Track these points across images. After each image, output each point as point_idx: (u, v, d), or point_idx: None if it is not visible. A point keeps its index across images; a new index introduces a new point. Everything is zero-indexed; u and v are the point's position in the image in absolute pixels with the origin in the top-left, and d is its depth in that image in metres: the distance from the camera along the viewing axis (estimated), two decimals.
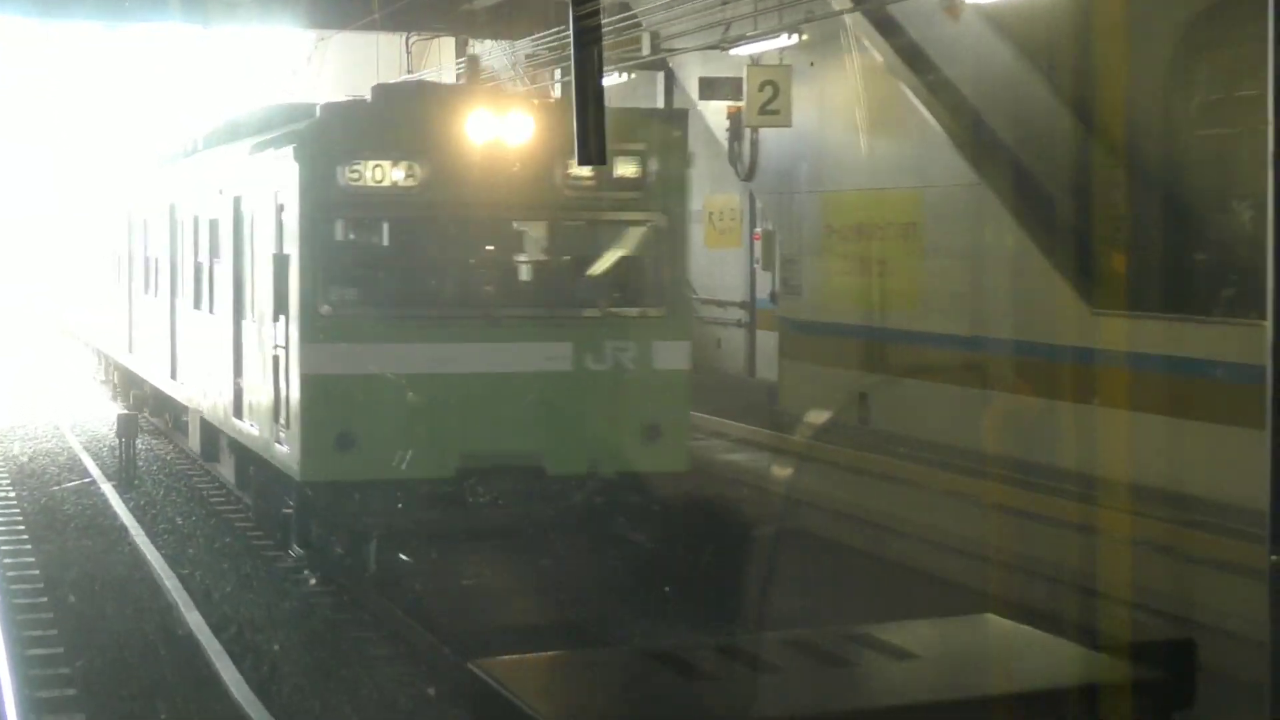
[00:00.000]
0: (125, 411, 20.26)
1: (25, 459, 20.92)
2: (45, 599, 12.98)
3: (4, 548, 14.98)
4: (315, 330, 12.31)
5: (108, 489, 18.14)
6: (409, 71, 30.85)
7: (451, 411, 12.49)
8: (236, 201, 14.97)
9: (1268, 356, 3.25)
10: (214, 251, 16.37)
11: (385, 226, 13.34)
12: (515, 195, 12.71)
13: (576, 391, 12.77)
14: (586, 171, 12.33)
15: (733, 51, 20.72)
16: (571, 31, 4.86)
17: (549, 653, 7.17)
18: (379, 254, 13.50)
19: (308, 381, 12.36)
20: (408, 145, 12.51)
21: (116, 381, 27.26)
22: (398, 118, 12.99)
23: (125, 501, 17.25)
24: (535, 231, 13.82)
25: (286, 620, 12.27)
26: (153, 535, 15.34)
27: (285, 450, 12.95)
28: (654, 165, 13.05)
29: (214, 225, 16.29)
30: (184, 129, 22.55)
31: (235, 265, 14.97)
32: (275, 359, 13.10)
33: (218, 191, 16.02)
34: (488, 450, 12.44)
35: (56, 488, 18.52)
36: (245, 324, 14.59)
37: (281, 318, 12.88)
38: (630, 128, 13.22)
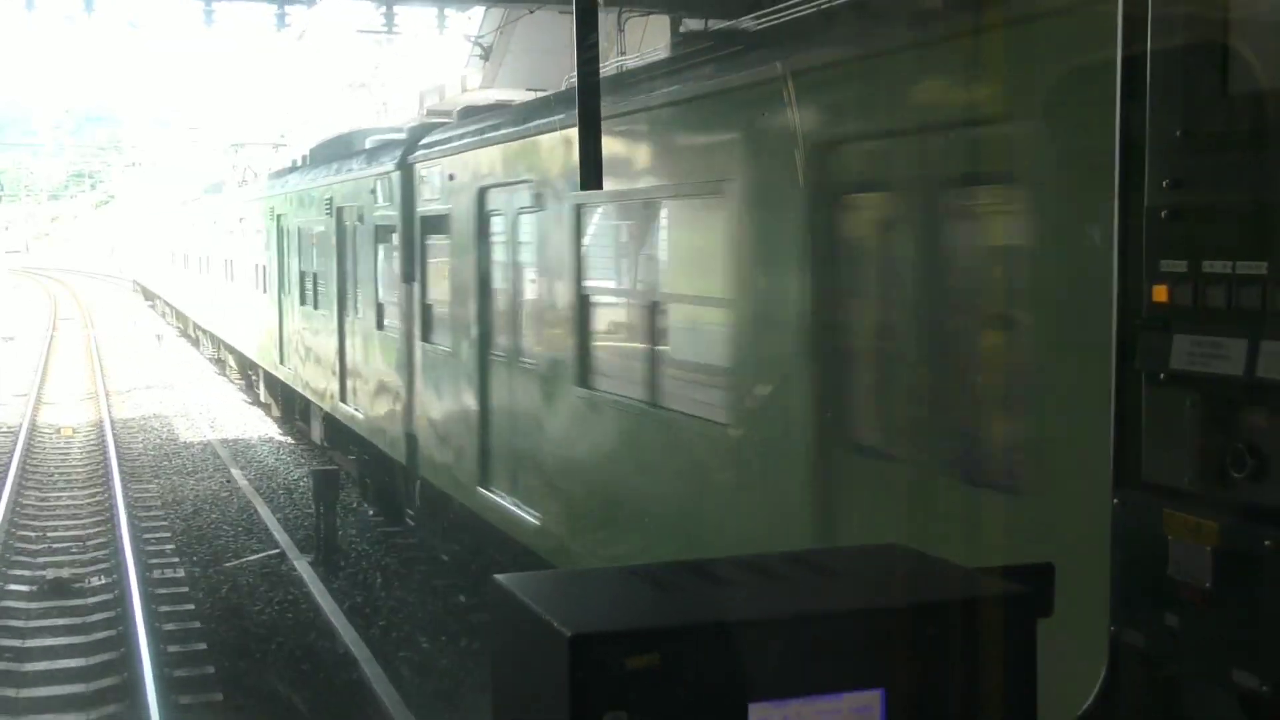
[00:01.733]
0: (322, 467, 15.43)
1: (190, 507, 16.55)
2: None
3: (181, 677, 10.49)
4: None
5: (303, 568, 13.66)
6: (621, 53, 26.37)
7: None
8: None
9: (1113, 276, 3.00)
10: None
11: None
12: None
13: None
14: None
15: None
16: (574, 52, 4.51)
17: (554, 570, 7.78)
18: None
19: None
20: None
21: (267, 388, 22.88)
22: None
23: (335, 597, 12.72)
24: None
25: None
26: (392, 670, 10.76)
27: None
28: None
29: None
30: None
31: None
32: None
33: None
34: None
35: (234, 563, 14.08)
36: None
37: None
38: None
